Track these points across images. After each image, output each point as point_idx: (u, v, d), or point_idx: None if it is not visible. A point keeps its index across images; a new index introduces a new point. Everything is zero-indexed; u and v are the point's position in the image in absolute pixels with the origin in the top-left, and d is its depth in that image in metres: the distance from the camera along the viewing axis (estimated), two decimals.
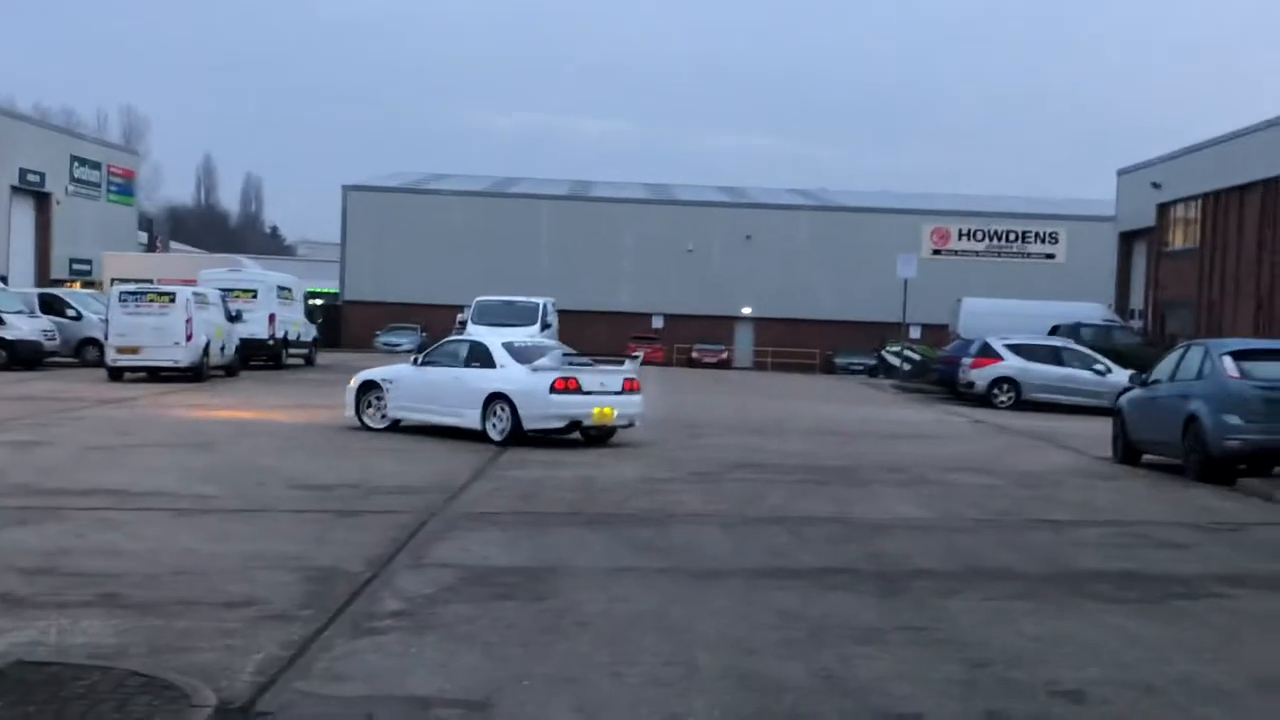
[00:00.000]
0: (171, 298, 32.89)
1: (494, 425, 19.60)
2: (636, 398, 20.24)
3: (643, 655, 7.74)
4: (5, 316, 36.33)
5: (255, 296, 39.49)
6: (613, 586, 9.63)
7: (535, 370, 19.50)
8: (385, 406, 21.01)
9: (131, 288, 34.44)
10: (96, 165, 59.18)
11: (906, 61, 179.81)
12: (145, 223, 74.95)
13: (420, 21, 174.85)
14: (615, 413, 19.73)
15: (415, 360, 21.54)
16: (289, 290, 42.34)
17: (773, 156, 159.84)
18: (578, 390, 19.42)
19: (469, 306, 41.05)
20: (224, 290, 37.95)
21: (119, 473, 15.21)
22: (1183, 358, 18.41)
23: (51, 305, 40.21)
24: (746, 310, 67.18)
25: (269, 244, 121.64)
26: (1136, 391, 19.70)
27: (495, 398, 19.63)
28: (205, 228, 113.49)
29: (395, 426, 20.93)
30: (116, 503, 13.07)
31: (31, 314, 37.98)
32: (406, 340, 62.62)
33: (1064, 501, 15.31)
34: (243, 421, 22.38)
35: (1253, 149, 44.95)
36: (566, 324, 43.71)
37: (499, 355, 20.24)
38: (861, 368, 59.59)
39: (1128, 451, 19.48)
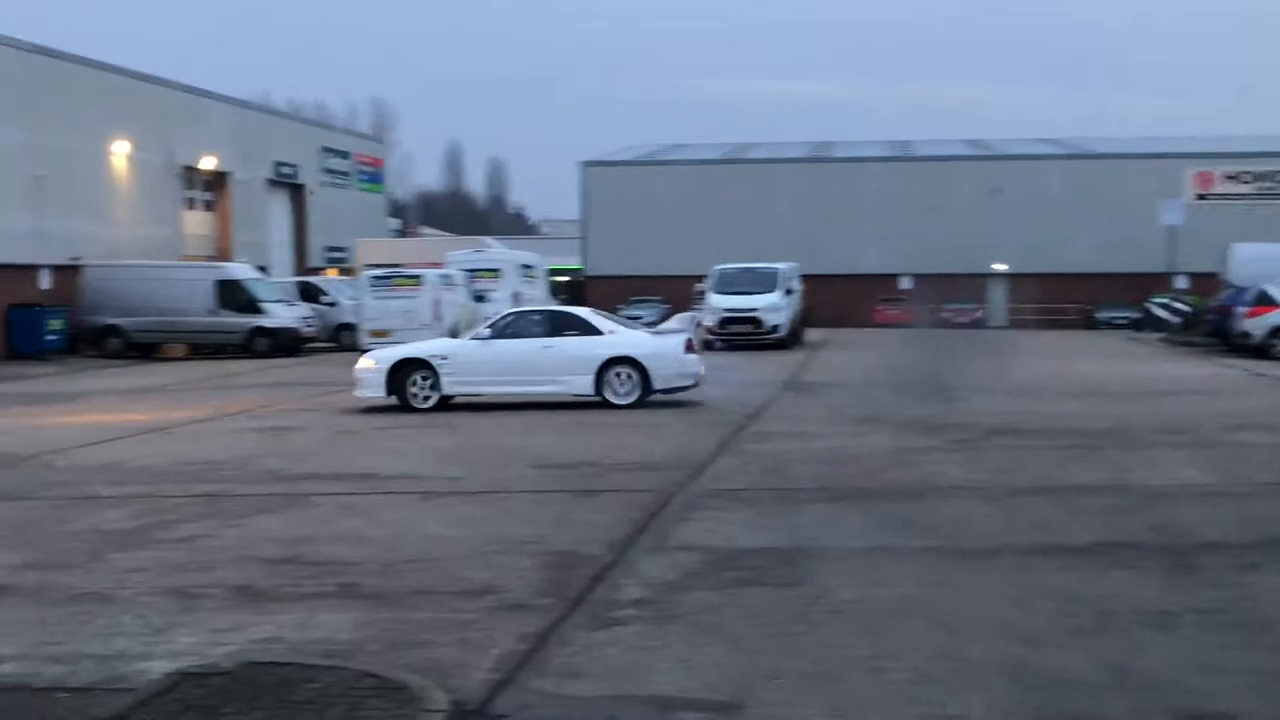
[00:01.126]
0: (419, 280, 33.38)
1: (617, 389, 20.23)
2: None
3: (906, 647, 7.06)
4: (266, 305, 37.52)
5: (499, 276, 39.80)
6: (869, 569, 8.95)
7: (660, 334, 21.47)
8: (439, 384, 20.40)
9: (381, 272, 35.11)
10: (345, 155, 60.77)
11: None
12: (397, 209, 76.90)
13: None
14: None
15: (480, 335, 21.16)
16: (532, 268, 42.54)
17: (1016, 107, 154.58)
18: (694, 350, 21.09)
19: (709, 275, 40.59)
20: (469, 271, 38.35)
21: (366, 456, 15.22)
22: None
23: (308, 293, 41.42)
24: (999, 266, 64.93)
25: (514, 224, 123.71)
26: None
27: (617, 361, 20.24)
28: (454, 212, 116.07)
29: (445, 404, 20.56)
30: (362, 487, 12.99)
31: (290, 302, 39.15)
32: (649, 312, 62.61)
33: None
34: (487, 401, 22.33)
35: None
36: (810, 288, 42.80)
37: (601, 323, 21.24)
38: (1125, 321, 56.91)
39: None
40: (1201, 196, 64.93)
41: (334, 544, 10.09)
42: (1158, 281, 53.06)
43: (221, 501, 12.25)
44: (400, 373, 20.49)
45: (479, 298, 36.75)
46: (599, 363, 20.22)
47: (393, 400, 20.34)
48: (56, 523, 11.27)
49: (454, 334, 33.85)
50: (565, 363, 20.34)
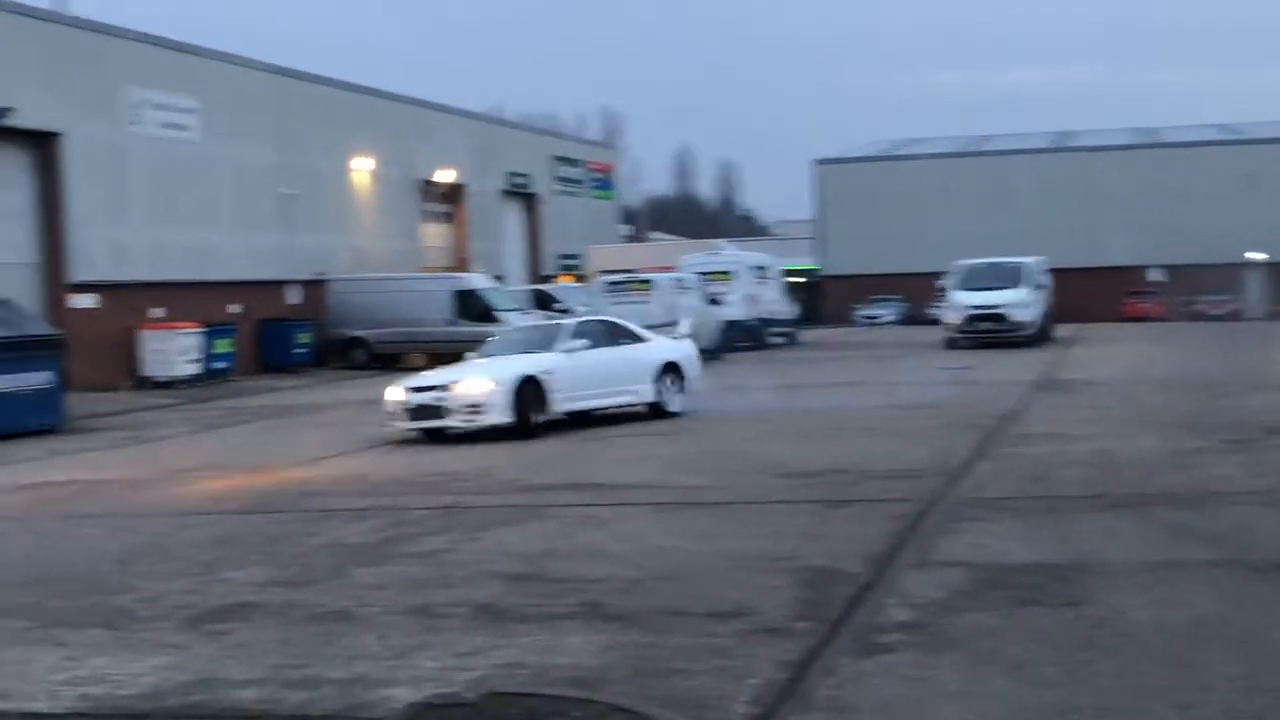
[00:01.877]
0: (652, 285, 33.23)
1: (671, 395, 19.94)
2: None
3: (1214, 678, 6.26)
4: (502, 314, 37.84)
5: (732, 278, 39.38)
6: (1157, 586, 8.11)
7: (679, 339, 21.31)
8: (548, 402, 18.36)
9: (615, 278, 35.10)
10: (576, 163, 61.25)
11: None
12: (628, 215, 77.27)
13: None
14: None
15: (573, 347, 19.07)
16: (765, 269, 42.01)
17: (1267, 93, 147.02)
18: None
19: (951, 272, 39.35)
20: (702, 274, 38.05)
21: (601, 466, 14.88)
22: None
23: (542, 300, 41.67)
24: (1255, 255, 61.57)
25: (745, 227, 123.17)
26: None
27: (668, 368, 20.05)
28: (684, 216, 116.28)
29: (548, 426, 18.30)
30: (599, 498, 12.63)
31: (525, 311, 39.44)
32: (887, 311, 61.36)
33: None
34: (725, 408, 21.87)
35: None
36: (1056, 282, 41.06)
37: (639, 329, 20.85)
38: None
39: None
40: None
41: (576, 559, 9.71)
42: None
43: (461, 514, 12.03)
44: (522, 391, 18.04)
45: (713, 301, 36.41)
46: (657, 369, 19.83)
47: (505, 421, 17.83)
48: (303, 536, 11.20)
49: (688, 338, 33.69)
50: (634, 370, 19.65)
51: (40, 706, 6.63)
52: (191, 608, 8.62)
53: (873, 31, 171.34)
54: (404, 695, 6.48)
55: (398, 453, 17.22)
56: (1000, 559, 9.14)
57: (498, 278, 45.05)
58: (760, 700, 6.24)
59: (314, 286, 38.57)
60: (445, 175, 47.03)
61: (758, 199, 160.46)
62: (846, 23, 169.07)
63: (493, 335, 21.54)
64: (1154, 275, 62.80)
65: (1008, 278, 37.00)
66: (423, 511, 12.25)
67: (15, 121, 27.68)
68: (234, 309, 35.12)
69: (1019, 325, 35.67)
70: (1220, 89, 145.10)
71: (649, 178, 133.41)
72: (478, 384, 18.12)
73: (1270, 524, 9.94)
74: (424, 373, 19.78)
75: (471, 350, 20.31)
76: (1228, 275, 61.14)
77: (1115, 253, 62.43)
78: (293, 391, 30.36)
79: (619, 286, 33.74)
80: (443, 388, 18.22)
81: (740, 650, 7.08)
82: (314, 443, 18.87)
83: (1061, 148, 67.85)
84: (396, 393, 18.38)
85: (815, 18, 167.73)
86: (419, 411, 18.17)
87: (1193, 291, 60.25)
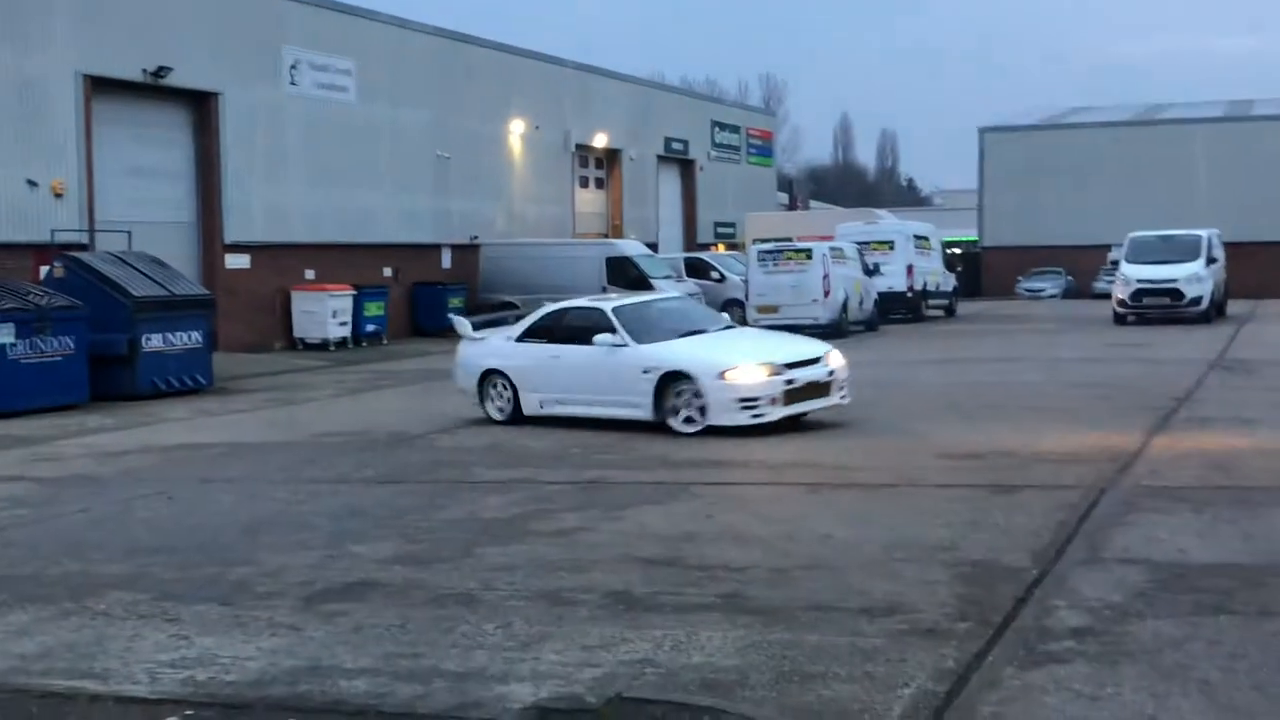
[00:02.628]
0: (808, 254, 32.31)
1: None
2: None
3: None
4: (655, 281, 37.31)
5: (892, 248, 38.23)
6: None
7: None
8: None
9: (768, 247, 34.22)
10: (736, 129, 60.33)
11: None
12: (785, 184, 76.09)
13: None
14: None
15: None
16: (926, 239, 40.75)
17: None
18: None
19: (1119, 245, 37.72)
20: (860, 243, 37.03)
21: (748, 442, 14.16)
22: None
23: (698, 268, 41.02)
24: None
25: (905, 196, 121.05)
26: None
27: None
28: (843, 185, 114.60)
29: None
30: (748, 476, 12.02)
31: (679, 278, 38.83)
32: (1050, 285, 59.47)
33: None
34: (880, 381, 21.05)
35: None
36: (1229, 257, 39.19)
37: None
38: None
39: None
40: None
41: (718, 544, 9.10)
42: None
43: (602, 490, 11.51)
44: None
45: (871, 270, 35.41)
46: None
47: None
48: (434, 509, 10.78)
49: (845, 308, 32.84)
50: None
51: (140, 690, 6.25)
52: (311, 584, 8.22)
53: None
54: (522, 693, 5.97)
55: (531, 424, 16.70)
56: (1182, 557, 8.30)
57: (651, 245, 44.52)
58: (914, 715, 5.58)
59: (467, 251, 38.46)
60: (600, 140, 46.58)
61: (918, 168, 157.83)
62: None
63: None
64: None
65: (1181, 251, 35.30)
66: (560, 485, 11.76)
67: (174, 81, 27.82)
68: (387, 272, 35.14)
69: (1193, 301, 34.05)
70: None
71: (809, 146, 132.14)
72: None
73: None
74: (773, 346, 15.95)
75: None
76: None
77: None
78: (441, 356, 30.10)
79: (773, 255, 32.85)
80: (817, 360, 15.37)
81: (892, 653, 6.42)
82: (456, 408, 18.53)
83: (1239, 116, 64.94)
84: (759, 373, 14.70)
85: None
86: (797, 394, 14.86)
87: None
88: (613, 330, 15.55)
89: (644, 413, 15.02)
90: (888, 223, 41.55)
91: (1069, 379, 19.83)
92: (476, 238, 38.76)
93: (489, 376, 16.59)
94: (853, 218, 46.44)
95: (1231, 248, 39.79)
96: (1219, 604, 7.14)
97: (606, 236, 45.46)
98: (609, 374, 15.42)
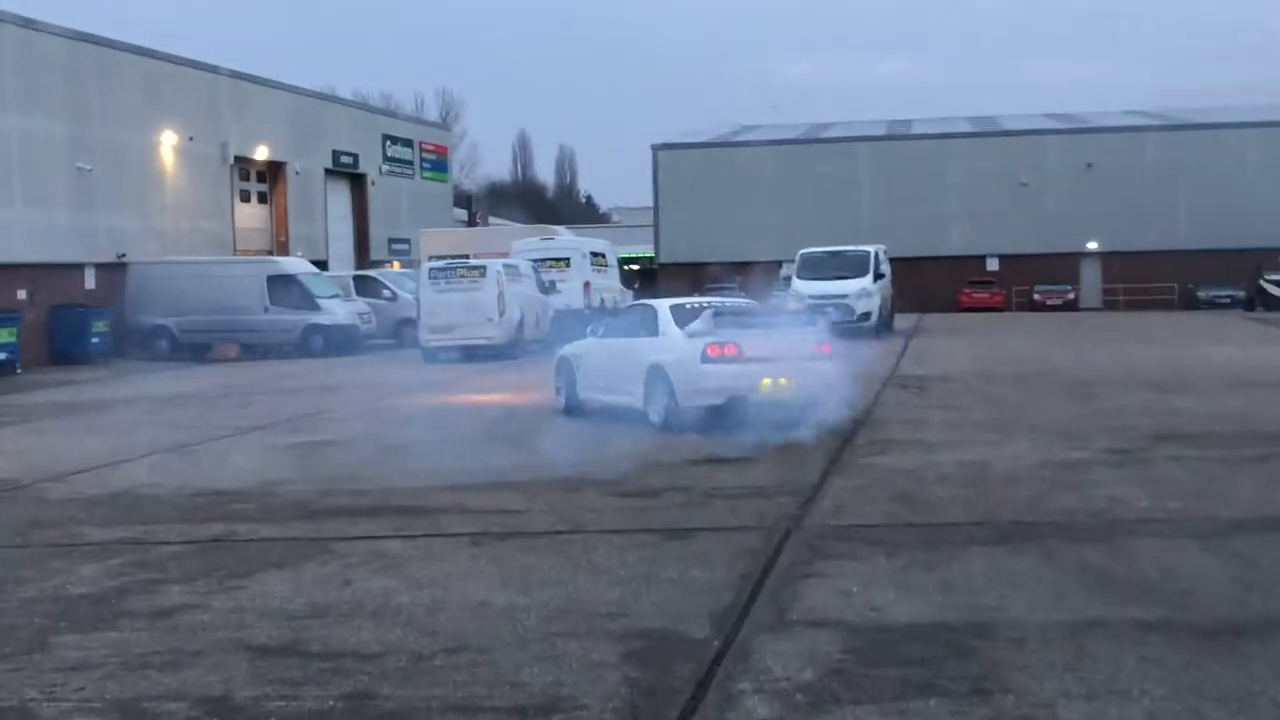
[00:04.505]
0: (482, 272, 31.00)
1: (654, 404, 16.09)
2: (827, 365, 15.95)
3: None
4: (322, 302, 35.37)
5: (568, 265, 37.38)
6: (1083, 663, 6.34)
7: (692, 336, 15.85)
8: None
9: (441, 264, 32.74)
10: (409, 143, 58.62)
11: None
12: (464, 200, 74.65)
13: None
14: (792, 384, 15.51)
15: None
16: (603, 256, 40.09)
17: (1097, 86, 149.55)
18: (737, 358, 15.48)
19: (791, 261, 37.94)
20: (536, 261, 36.02)
21: (413, 480, 12.76)
22: None
23: (367, 287, 39.19)
24: (1091, 245, 61.60)
25: (584, 213, 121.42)
26: None
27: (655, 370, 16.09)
28: (523, 202, 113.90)
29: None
30: (401, 526, 10.56)
31: (347, 297, 36.96)
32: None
33: None
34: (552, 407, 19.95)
35: None
36: (896, 272, 40.04)
37: (662, 320, 16.63)
38: (1229, 301, 53.64)
39: None
40: None
41: (352, 621, 7.65)
42: (1268, 258, 49.61)
43: (225, 550, 9.86)
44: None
45: (547, 288, 34.40)
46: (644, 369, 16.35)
47: None
48: (11, 585, 8.93)
49: (519, 327, 31.59)
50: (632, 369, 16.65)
51: None
52: None
53: (712, 18, 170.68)
54: None
55: (171, 464, 14.85)
56: (878, 617, 7.32)
57: (318, 262, 42.43)
58: None
59: (114, 270, 35.62)
60: (262, 152, 44.19)
61: (597, 185, 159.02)
62: (688, 7, 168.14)
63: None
64: (992, 265, 62.51)
65: (851, 267, 35.78)
66: (178, 547, 10.06)
67: None
68: (21, 294, 32.08)
69: (863, 316, 34.43)
70: (1054, 81, 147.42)
71: (489, 162, 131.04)
72: None
73: (1200, 567, 8.27)
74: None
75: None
76: (1065, 265, 61.11)
77: (954, 242, 61.99)
78: (83, 386, 27.58)
79: (446, 272, 31.38)
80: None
81: None
82: (86, 449, 16.44)
83: (902, 135, 67.25)
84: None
85: (653, 4, 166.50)
86: None
87: (1030, 281, 60.06)
88: None
89: None
90: (564, 239, 40.67)
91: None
92: (124, 255, 35.95)
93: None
94: (530, 234, 45.49)
95: (896, 263, 40.64)
96: (927, 681, 6.15)
97: (271, 253, 43.12)
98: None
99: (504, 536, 9.98)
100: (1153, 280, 59.58)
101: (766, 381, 15.33)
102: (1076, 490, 10.97)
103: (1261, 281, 49.72)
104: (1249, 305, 50.28)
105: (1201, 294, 55.88)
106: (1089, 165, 61.40)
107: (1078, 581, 7.93)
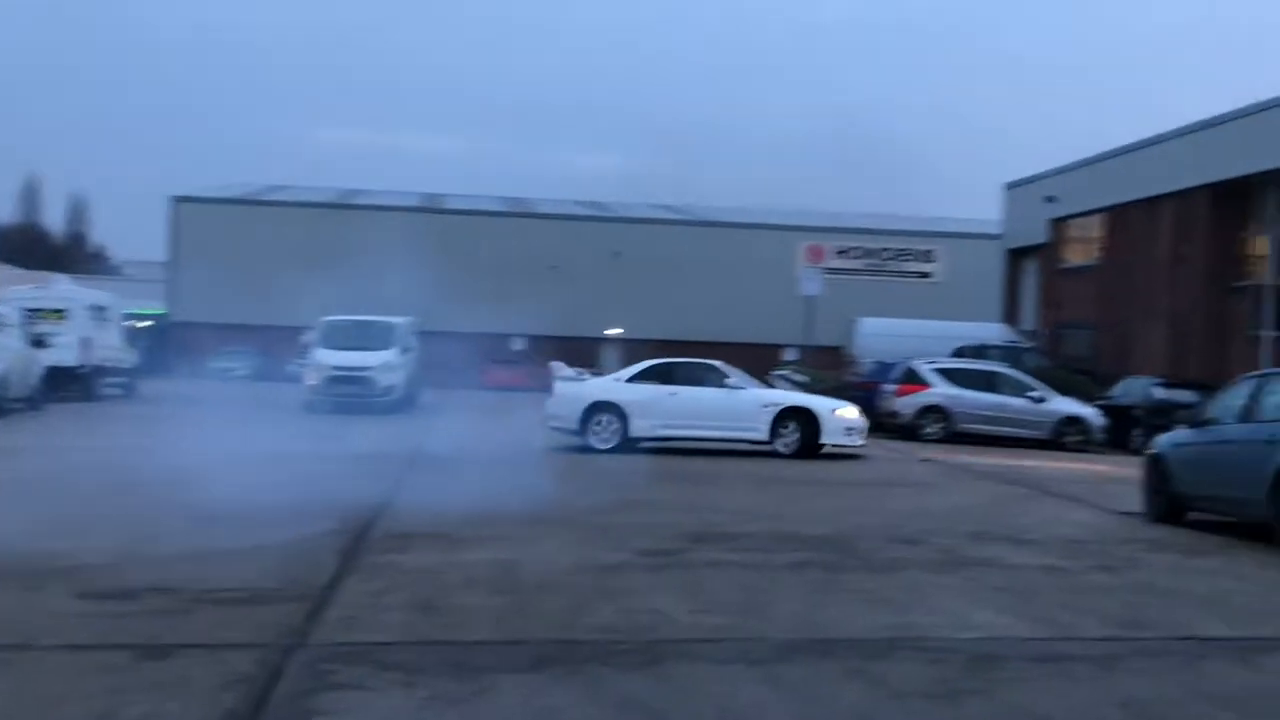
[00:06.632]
0: None
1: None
2: None
3: None
4: None
5: (64, 317, 34.09)
6: None
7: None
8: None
9: None
10: None
11: (776, 81, 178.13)
12: None
13: (241, 34, 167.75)
14: None
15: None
16: (105, 309, 36.90)
17: (628, 175, 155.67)
18: None
19: (314, 328, 36.11)
20: (29, 310, 32.60)
21: None
22: (1259, 392, 14.54)
23: None
24: (615, 331, 62.88)
25: (95, 264, 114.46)
26: (1184, 434, 15.91)
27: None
28: (29, 249, 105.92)
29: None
30: None
31: None
32: (242, 364, 57.17)
33: (1180, 595, 10.85)
34: (30, 477, 17.40)
35: (1163, 159, 42.28)
36: (424, 345, 38.99)
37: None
38: None
39: (1171, 506, 15.64)
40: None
41: None
42: (778, 353, 51.98)
43: None
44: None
45: (38, 342, 31.09)
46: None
47: None
48: None
49: (4, 384, 28.11)
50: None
51: None
52: None
53: (254, 79, 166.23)
54: None
55: None
56: None
57: None
58: None
59: None
60: None
61: (112, 237, 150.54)
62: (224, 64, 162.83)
63: None
64: (518, 344, 62.66)
65: (376, 339, 34.47)
66: None
67: None
68: None
69: (385, 390, 33.09)
70: (588, 170, 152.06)
71: None
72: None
73: (756, 701, 7.29)
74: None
75: None
76: (589, 348, 61.99)
77: (482, 320, 61.63)
78: None
79: None
80: None
81: None
82: None
83: (435, 209, 66.68)
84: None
85: (184, 62, 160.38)
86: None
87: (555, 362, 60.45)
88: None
89: (761, 435, 23.42)
90: (61, 289, 37.16)
91: (253, 480, 17.11)
92: None
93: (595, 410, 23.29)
94: (26, 281, 41.50)
95: (425, 337, 39.60)
96: None
97: None
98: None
99: None
100: None
101: None
102: (615, 600, 9.83)
103: (773, 376, 51.81)
104: None
105: None
106: (616, 253, 62.81)
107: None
